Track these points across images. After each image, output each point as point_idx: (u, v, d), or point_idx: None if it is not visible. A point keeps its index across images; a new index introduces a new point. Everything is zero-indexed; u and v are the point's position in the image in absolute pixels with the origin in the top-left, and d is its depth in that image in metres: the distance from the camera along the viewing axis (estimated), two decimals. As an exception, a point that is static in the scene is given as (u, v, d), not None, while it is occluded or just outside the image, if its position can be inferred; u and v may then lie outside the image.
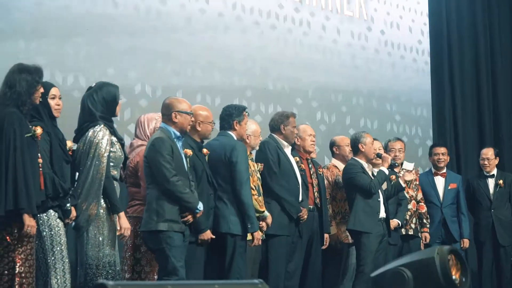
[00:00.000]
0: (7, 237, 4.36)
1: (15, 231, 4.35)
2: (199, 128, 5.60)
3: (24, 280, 4.36)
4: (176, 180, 5.13)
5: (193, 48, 7.20)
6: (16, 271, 4.34)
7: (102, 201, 4.85)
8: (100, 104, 4.98)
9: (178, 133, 5.29)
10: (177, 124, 5.29)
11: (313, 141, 6.78)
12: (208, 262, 5.61)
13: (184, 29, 7.18)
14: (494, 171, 7.99)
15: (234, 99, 7.30)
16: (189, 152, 5.39)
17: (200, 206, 5.26)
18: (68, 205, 4.58)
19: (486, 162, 7.99)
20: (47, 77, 5.43)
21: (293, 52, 8.10)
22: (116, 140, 4.91)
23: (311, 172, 6.64)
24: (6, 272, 4.35)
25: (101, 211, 4.83)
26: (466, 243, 7.72)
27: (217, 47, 7.41)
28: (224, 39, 7.48)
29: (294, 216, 6.23)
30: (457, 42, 10.09)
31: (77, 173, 4.90)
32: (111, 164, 4.95)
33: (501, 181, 7.90)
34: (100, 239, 4.77)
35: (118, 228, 4.96)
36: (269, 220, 6.00)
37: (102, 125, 4.90)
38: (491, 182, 7.96)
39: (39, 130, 4.47)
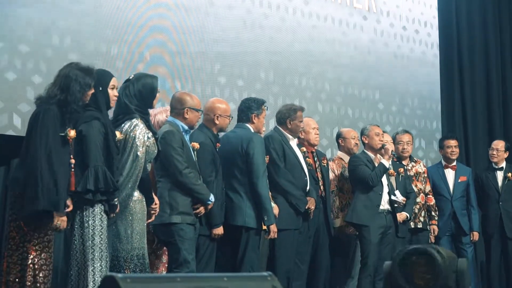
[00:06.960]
0: (24, 227, 4.29)
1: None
2: (217, 122, 5.59)
3: (37, 272, 4.29)
4: (188, 172, 5.17)
5: (218, 43, 7.22)
6: (29, 262, 4.28)
7: (134, 193, 4.71)
8: (135, 97, 4.77)
9: (186, 127, 5.32)
10: (187, 120, 5.31)
11: (317, 134, 6.76)
12: (220, 254, 5.60)
13: (213, 25, 7.21)
14: (503, 164, 7.98)
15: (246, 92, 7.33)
16: (196, 145, 5.41)
17: (212, 197, 5.29)
18: (115, 199, 4.50)
19: (494, 153, 7.98)
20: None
21: (302, 45, 8.09)
22: (151, 134, 4.77)
23: (317, 166, 6.64)
24: (19, 262, 4.30)
25: (131, 204, 4.69)
26: (475, 236, 7.75)
27: (230, 41, 7.40)
28: (237, 32, 7.48)
29: (301, 210, 6.16)
30: (467, 35, 10.06)
31: None
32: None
33: (509, 174, 7.89)
34: (129, 231, 4.66)
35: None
36: (276, 211, 5.94)
37: (139, 119, 4.74)
38: (499, 175, 7.96)
39: (72, 133, 4.38)
